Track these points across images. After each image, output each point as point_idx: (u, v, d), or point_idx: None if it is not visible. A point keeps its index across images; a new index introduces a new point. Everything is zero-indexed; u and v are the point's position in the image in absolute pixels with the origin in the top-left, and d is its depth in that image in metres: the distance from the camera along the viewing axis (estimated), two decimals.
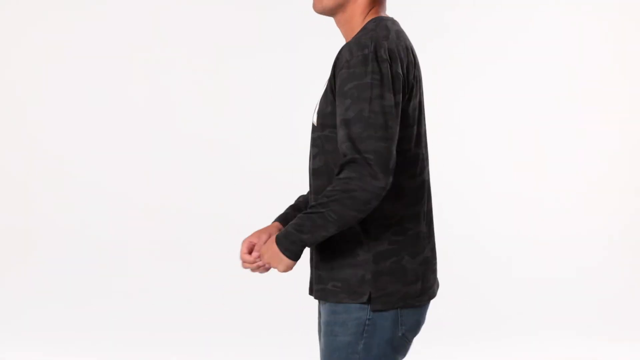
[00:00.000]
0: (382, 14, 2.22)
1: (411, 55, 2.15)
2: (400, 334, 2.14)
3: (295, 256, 2.11)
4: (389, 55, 2.05)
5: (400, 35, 2.16)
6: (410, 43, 2.19)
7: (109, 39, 5.38)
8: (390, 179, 1.98)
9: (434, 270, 2.22)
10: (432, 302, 2.27)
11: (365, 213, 2.00)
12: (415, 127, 2.12)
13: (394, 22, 2.20)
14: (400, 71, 2.07)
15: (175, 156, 5.38)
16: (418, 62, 2.19)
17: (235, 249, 5.92)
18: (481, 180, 5.36)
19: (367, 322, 2.12)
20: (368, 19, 2.18)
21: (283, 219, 2.38)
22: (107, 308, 5.08)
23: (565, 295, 5.17)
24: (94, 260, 5.27)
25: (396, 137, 2.02)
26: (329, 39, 5.40)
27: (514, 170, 5.37)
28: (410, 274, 2.12)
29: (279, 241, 2.11)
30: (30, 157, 5.43)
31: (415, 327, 2.17)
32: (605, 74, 5.43)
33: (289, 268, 2.14)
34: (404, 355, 2.22)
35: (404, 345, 2.18)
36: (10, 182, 5.42)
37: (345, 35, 2.23)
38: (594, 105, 5.43)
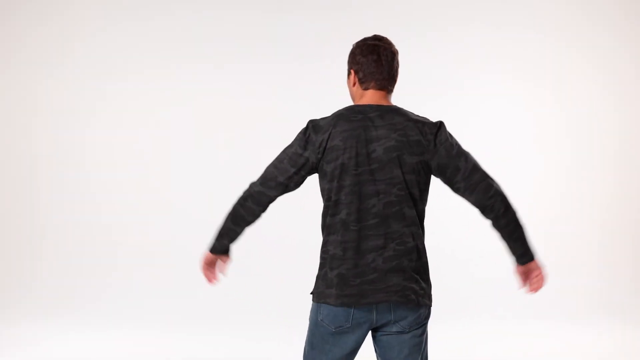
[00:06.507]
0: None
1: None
2: (319, 319, 2.75)
3: None
4: None
5: None
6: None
7: (111, 40, 5.41)
8: None
9: (355, 284, 2.72)
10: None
11: None
12: (336, 182, 2.72)
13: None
14: None
15: (175, 157, 5.41)
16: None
17: (237, 249, 5.89)
18: None
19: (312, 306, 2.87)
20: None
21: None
22: (107, 307, 5.13)
23: (558, 292, 5.22)
24: (93, 259, 5.31)
25: None
26: (325, 47, 5.40)
27: (509, 171, 5.38)
28: (328, 281, 2.74)
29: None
30: (32, 160, 5.44)
31: (332, 319, 2.74)
32: (604, 72, 5.46)
33: None
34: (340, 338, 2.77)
35: (326, 329, 2.77)
36: (13, 182, 5.44)
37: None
38: (591, 105, 5.45)
